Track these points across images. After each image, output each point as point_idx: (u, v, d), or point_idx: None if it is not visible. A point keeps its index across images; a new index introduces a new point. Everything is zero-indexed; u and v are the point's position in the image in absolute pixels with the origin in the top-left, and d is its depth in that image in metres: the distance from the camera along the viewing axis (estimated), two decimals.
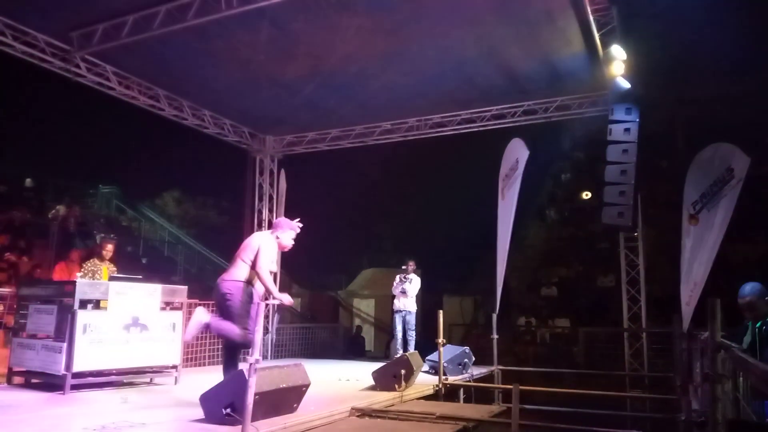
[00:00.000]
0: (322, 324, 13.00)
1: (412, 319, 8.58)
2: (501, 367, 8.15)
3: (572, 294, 14.95)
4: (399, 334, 8.56)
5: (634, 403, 8.14)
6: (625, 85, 7.64)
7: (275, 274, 6.23)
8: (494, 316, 8.11)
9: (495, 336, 7.96)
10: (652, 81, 8.17)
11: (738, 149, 6.62)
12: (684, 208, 6.99)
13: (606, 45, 7.12)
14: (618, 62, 7.35)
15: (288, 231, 4.78)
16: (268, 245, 4.53)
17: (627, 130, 7.73)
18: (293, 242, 4.81)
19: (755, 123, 8.87)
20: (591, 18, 6.69)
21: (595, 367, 9.57)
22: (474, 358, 7.68)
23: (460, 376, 7.11)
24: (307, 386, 4.41)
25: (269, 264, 4.49)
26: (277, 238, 4.71)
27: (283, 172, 10.66)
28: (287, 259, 9.60)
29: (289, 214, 6.05)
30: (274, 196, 10.76)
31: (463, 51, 7.40)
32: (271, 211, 10.76)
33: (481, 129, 9.45)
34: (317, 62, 7.61)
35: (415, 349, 7.79)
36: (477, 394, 7.21)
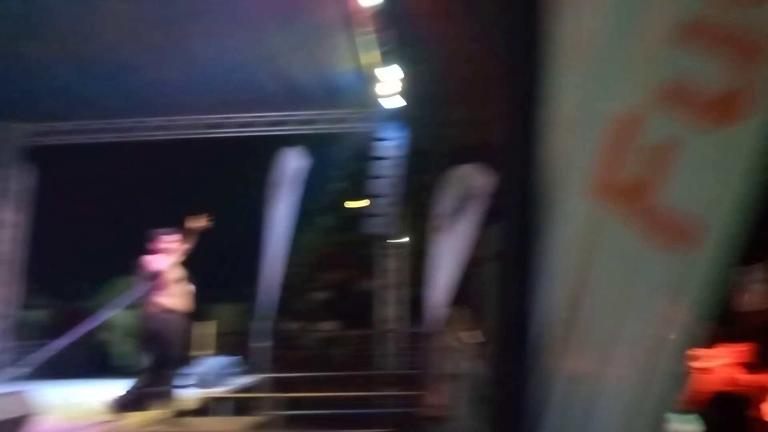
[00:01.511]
0: (67, 339, 11.55)
1: None
2: (270, 375, 8.14)
3: (340, 298, 15.66)
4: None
5: (390, 401, 8.77)
6: (395, 104, 8.28)
7: None
8: (261, 323, 8.07)
9: (263, 343, 7.93)
10: (420, 102, 8.96)
11: (479, 171, 7.59)
12: (433, 220, 7.80)
13: (377, 65, 7.65)
14: (388, 82, 7.95)
15: None
16: None
17: (394, 146, 8.38)
18: None
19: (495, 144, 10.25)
20: (363, 38, 7.13)
21: (359, 369, 10.13)
22: (244, 368, 7.56)
23: (224, 388, 6.94)
24: (29, 417, 3.81)
25: None
26: None
27: (28, 166, 9.29)
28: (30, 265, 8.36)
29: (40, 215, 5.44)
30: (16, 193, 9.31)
31: (242, 54, 7.29)
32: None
33: (258, 134, 9.38)
34: (75, 46, 6.82)
35: (179, 361, 7.38)
36: (244, 405, 7.11)
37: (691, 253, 1.08)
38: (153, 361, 5.55)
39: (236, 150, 10.54)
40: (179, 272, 5.64)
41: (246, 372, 7.78)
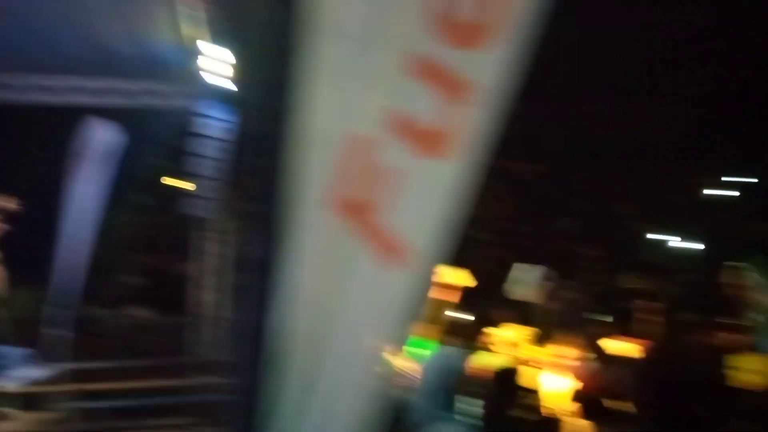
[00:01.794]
0: None
1: None
2: (69, 366, 7.46)
3: (155, 283, 14.78)
4: None
5: (203, 389, 8.55)
6: (223, 83, 7.97)
7: None
8: (55, 309, 7.36)
9: (60, 332, 7.25)
10: (254, 83, 8.71)
11: None
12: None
13: (204, 40, 7.31)
14: (214, 60, 7.62)
15: None
16: None
17: (220, 126, 8.09)
18: None
19: None
20: (189, 10, 6.76)
21: (173, 357, 9.70)
22: (38, 358, 6.84)
23: (12, 382, 6.23)
24: None
25: None
26: None
27: None
28: None
29: None
30: None
31: (42, 8, 6.49)
32: None
33: (59, 101, 8.42)
34: None
35: None
36: (36, 400, 6.44)
37: (402, 270, 1.22)
38: None
39: (34, 117, 9.36)
40: None
41: (41, 363, 7.04)
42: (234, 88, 7.90)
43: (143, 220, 16.48)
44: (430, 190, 1.24)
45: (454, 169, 1.22)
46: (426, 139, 1.23)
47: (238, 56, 7.91)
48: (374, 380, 1.23)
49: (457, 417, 2.48)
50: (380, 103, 1.27)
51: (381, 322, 1.23)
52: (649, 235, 14.34)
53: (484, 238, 13.73)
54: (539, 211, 14.78)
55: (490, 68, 1.22)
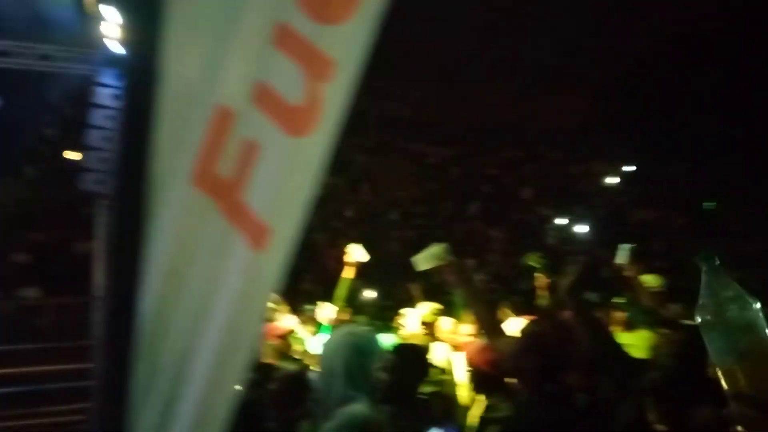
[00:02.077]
0: None
1: None
2: None
3: (47, 261, 13.77)
4: None
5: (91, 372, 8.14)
6: (117, 49, 7.47)
7: None
8: None
9: None
10: (151, 51, 8.24)
11: None
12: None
13: (97, 3, 6.82)
14: (110, 24, 7.13)
15: None
16: None
17: (115, 95, 7.60)
18: None
19: None
20: None
21: (67, 340, 9.11)
22: None
23: None
24: None
25: None
26: None
27: None
28: None
29: None
30: None
31: None
32: None
33: None
34: None
35: None
36: None
37: (264, 254, 1.20)
38: None
39: None
40: None
41: None
42: (124, 51, 7.43)
43: (34, 194, 15.22)
44: (292, 169, 1.21)
45: (315, 147, 1.21)
46: (291, 116, 1.21)
47: (127, 19, 7.46)
48: (246, 364, 1.20)
49: (364, 396, 2.48)
50: (248, 75, 1.22)
51: (251, 303, 1.20)
52: (550, 218, 15.14)
53: (396, 219, 13.93)
54: (449, 193, 15.16)
55: (353, 45, 1.22)
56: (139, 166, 0.95)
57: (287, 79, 1.20)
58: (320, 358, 2.46)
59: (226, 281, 1.17)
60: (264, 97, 1.20)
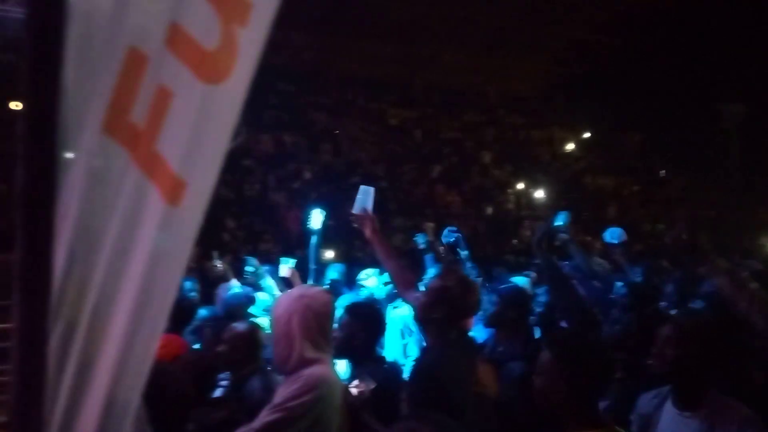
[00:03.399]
0: None
1: None
2: None
3: None
4: None
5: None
6: None
7: None
8: None
9: None
10: None
11: None
12: None
13: None
14: None
15: None
16: None
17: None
18: None
19: None
20: None
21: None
22: None
23: None
24: None
25: None
26: None
27: None
28: None
29: None
30: None
31: None
32: None
33: None
34: None
35: None
36: None
37: (178, 208, 1.15)
38: None
39: None
40: None
41: None
42: None
43: None
44: (207, 118, 1.15)
45: (229, 94, 1.15)
46: (205, 61, 1.14)
47: None
48: (163, 323, 1.17)
49: (326, 357, 2.46)
50: (162, 15, 1.14)
51: (168, 260, 1.14)
52: (509, 183, 15.34)
53: (356, 181, 13.81)
54: (411, 156, 15.13)
55: None
56: (47, 113, 0.86)
57: (202, 21, 1.12)
58: (274, 320, 2.43)
59: (142, 237, 1.11)
60: (177, 40, 1.12)
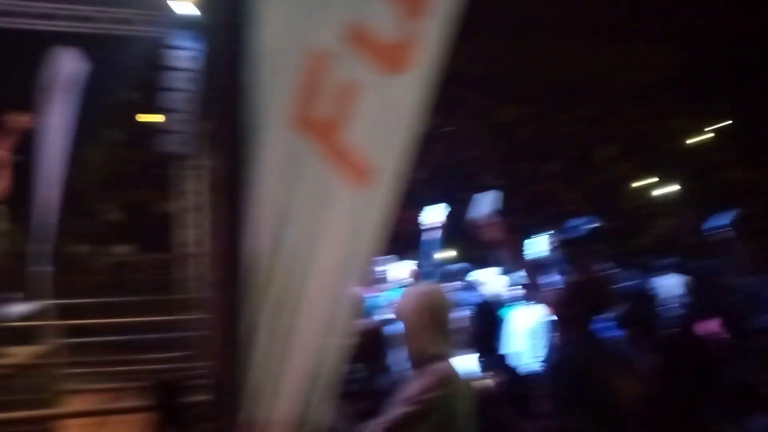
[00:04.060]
0: None
1: None
2: (54, 301, 7.39)
3: (135, 219, 14.64)
4: None
5: (191, 325, 8.61)
6: (192, 10, 7.60)
7: None
8: (39, 246, 7.21)
9: (44, 268, 7.12)
10: (222, 12, 8.35)
11: None
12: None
13: None
14: None
15: None
16: None
17: (190, 57, 7.76)
18: None
19: None
20: None
21: (157, 293, 9.68)
22: (22, 294, 6.75)
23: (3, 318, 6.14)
24: None
25: None
26: None
27: None
28: None
29: None
30: None
31: None
32: None
33: (22, 26, 7.98)
34: None
35: None
36: (21, 335, 6.39)
37: (368, 192, 1.21)
38: None
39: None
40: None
41: (24, 299, 6.97)
42: (199, 12, 7.57)
43: (119, 156, 16.10)
44: (392, 106, 1.23)
45: (415, 83, 1.22)
46: (387, 53, 1.21)
47: None
48: (355, 301, 1.26)
49: (448, 353, 2.49)
50: (340, 17, 1.23)
51: (357, 241, 1.22)
52: (631, 179, 14.50)
53: (466, 180, 13.72)
54: (523, 153, 14.77)
55: None
56: (235, 113, 0.95)
57: (381, 18, 1.20)
58: (400, 316, 2.50)
59: (331, 221, 1.20)
60: (359, 38, 1.21)
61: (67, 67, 7.01)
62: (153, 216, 14.25)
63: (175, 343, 7.45)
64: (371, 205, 1.22)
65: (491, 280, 5.17)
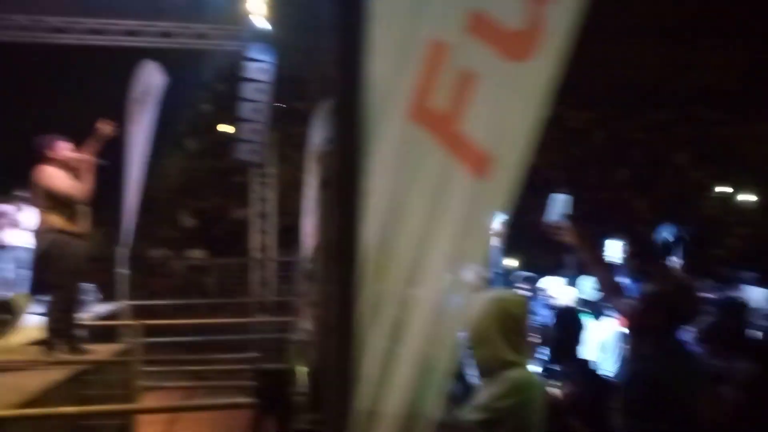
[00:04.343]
0: None
1: (25, 256, 7.44)
2: (131, 302, 7.80)
3: (208, 225, 15.21)
4: (9, 275, 7.40)
5: (261, 327, 8.87)
6: (263, 24, 7.87)
7: None
8: (122, 250, 7.64)
9: (124, 270, 7.54)
10: (289, 23, 8.63)
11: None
12: (310, 149, 7.74)
13: None
14: (256, 0, 7.51)
15: None
16: None
17: (262, 69, 8.04)
18: None
19: None
20: None
21: (227, 296, 10.01)
22: (101, 295, 7.17)
23: (82, 315, 6.55)
24: None
25: None
26: None
27: None
28: None
29: None
30: None
31: None
32: None
33: (110, 44, 8.49)
34: None
35: (28, 289, 6.82)
36: (101, 333, 6.78)
37: (488, 183, 1.18)
38: (58, 292, 4.61)
39: (83, 59, 9.49)
40: (80, 189, 4.59)
41: (106, 299, 7.39)
42: (272, 26, 7.82)
43: (196, 164, 16.83)
44: (514, 94, 1.18)
45: (540, 70, 1.16)
46: (510, 41, 1.17)
47: None
48: (470, 291, 1.24)
49: (524, 360, 2.45)
50: (460, 6, 1.20)
51: (474, 231, 1.20)
52: (707, 186, 13.79)
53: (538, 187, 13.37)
54: (593, 159, 14.35)
55: None
56: (353, 106, 0.97)
57: (505, 5, 1.17)
58: (472, 322, 2.46)
59: (448, 211, 1.19)
60: (479, 26, 1.18)
61: (150, 79, 7.42)
62: (225, 222, 14.78)
63: (247, 344, 7.70)
64: (491, 196, 1.20)
65: (558, 289, 5.08)
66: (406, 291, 1.18)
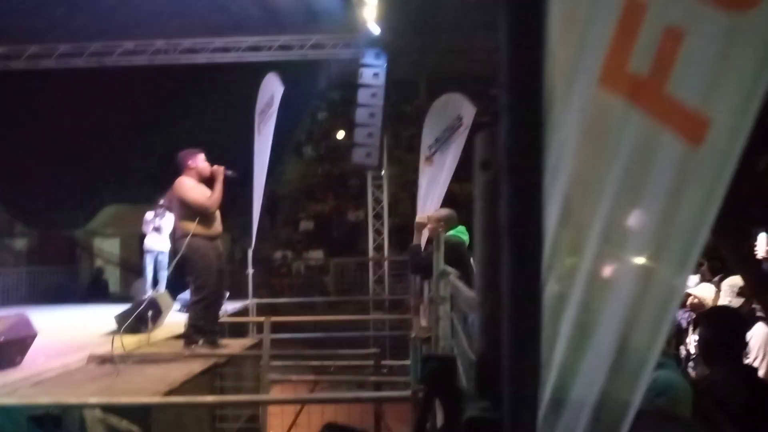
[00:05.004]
0: (55, 266, 11.59)
1: (164, 259, 8.17)
2: (256, 300, 8.29)
3: (326, 228, 15.81)
4: (149, 275, 8.17)
5: (376, 324, 9.07)
6: (375, 30, 8.03)
7: None
8: (250, 251, 8.14)
9: (250, 270, 8.03)
10: (400, 28, 8.74)
11: (466, 99, 7.55)
12: (421, 150, 7.80)
13: None
14: (369, 7, 7.67)
15: None
16: None
17: (376, 74, 8.21)
18: None
19: (484, 77, 10.10)
20: None
21: (345, 295, 10.34)
22: (228, 293, 7.67)
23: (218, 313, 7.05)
24: (32, 337, 3.95)
25: None
26: None
27: None
28: (6, 193, 8.23)
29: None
30: None
31: None
32: None
33: (235, 60, 9.09)
34: None
35: (165, 288, 7.47)
36: (232, 328, 7.26)
37: (700, 147, 1.01)
38: (198, 291, 4.96)
39: (211, 76, 10.23)
40: (213, 198, 4.96)
41: (232, 298, 7.91)
42: (385, 31, 7.93)
43: (314, 170, 17.60)
44: (734, 46, 1.00)
45: (760, 22, 0.98)
46: None
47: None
48: (664, 287, 1.07)
49: (670, 362, 2.31)
50: None
51: (683, 201, 1.05)
52: None
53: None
54: None
55: None
56: (534, 79, 0.85)
57: None
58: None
59: (652, 184, 1.06)
60: None
61: (272, 91, 7.84)
62: (341, 223, 15.28)
63: (367, 340, 7.91)
64: (702, 162, 1.06)
65: (698, 288, 4.70)
66: (598, 273, 1.07)
